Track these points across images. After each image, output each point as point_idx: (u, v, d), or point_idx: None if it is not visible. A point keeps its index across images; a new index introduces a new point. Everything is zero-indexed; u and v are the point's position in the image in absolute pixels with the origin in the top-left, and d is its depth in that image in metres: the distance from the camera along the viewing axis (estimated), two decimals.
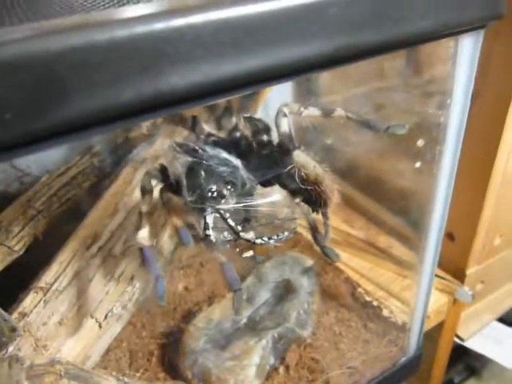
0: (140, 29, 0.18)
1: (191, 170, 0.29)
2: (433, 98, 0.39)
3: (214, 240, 0.28)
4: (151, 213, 0.33)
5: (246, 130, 0.34)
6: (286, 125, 0.32)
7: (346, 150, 0.55)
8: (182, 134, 0.42)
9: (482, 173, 0.53)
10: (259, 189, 0.32)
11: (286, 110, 0.32)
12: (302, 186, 0.31)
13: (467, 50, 0.32)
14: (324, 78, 0.56)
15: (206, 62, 0.19)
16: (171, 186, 0.31)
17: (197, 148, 0.31)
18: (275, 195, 0.31)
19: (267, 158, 0.33)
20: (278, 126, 0.32)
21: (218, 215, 0.29)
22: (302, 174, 0.31)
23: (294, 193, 0.32)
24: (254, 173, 0.31)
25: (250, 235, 0.29)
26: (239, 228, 0.29)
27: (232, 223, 0.28)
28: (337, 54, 0.23)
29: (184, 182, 0.29)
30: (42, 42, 0.17)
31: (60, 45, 0.17)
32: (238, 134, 0.34)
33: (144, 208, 0.31)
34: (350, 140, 0.54)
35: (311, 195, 0.32)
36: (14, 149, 0.17)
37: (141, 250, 0.31)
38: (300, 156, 0.31)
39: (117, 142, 0.45)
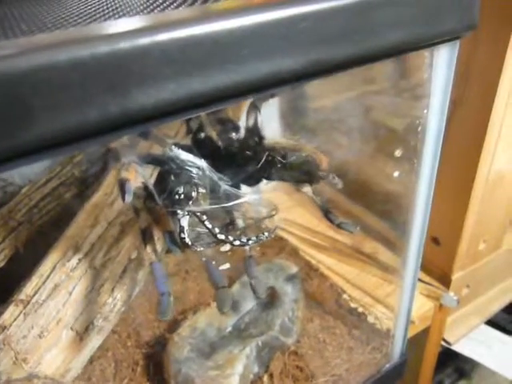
0: (105, 48, 0.18)
1: (158, 177, 0.29)
2: (412, 104, 0.39)
3: (189, 243, 0.28)
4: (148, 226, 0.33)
5: (213, 131, 0.33)
6: (253, 119, 0.32)
7: (330, 156, 0.55)
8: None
9: (465, 179, 0.53)
10: (240, 192, 0.32)
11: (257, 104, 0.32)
12: (285, 161, 0.30)
13: (443, 59, 0.33)
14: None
15: (173, 79, 0.19)
16: (150, 196, 0.31)
17: (159, 156, 0.31)
18: (249, 195, 0.31)
19: (240, 157, 0.32)
20: (247, 121, 0.32)
21: (195, 218, 0.29)
22: (280, 152, 0.31)
23: (284, 178, 0.32)
24: (232, 173, 0.31)
25: (228, 236, 0.29)
26: (217, 230, 0.29)
27: (209, 225, 0.28)
28: (307, 69, 0.23)
29: (153, 189, 0.29)
30: (4, 61, 0.16)
31: (23, 65, 0.17)
32: (202, 136, 0.33)
33: (143, 225, 0.32)
34: (335, 146, 0.54)
35: (299, 167, 0.31)
36: None
37: (150, 264, 0.31)
38: (270, 140, 0.31)
39: (99, 151, 0.45)
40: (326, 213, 0.34)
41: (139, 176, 0.29)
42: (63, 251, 0.38)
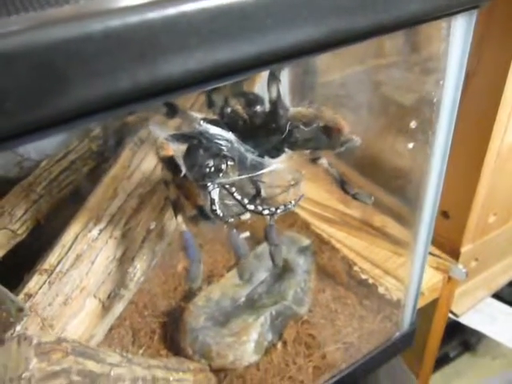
0: (134, 18, 0.18)
1: (188, 152, 0.30)
2: (426, 78, 0.39)
3: (221, 214, 0.29)
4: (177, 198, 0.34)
5: (237, 104, 0.34)
6: (275, 90, 0.32)
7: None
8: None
9: (476, 152, 0.53)
10: (266, 161, 0.32)
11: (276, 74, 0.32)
12: (307, 129, 0.31)
13: (461, 30, 0.33)
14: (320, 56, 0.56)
15: (199, 49, 0.20)
16: (179, 170, 0.32)
17: (188, 133, 0.31)
18: (275, 164, 0.31)
19: (265, 129, 0.33)
20: (269, 93, 0.33)
21: (224, 191, 0.30)
22: (301, 121, 0.31)
23: (307, 146, 0.32)
24: (257, 145, 0.32)
25: (257, 207, 0.30)
26: (246, 201, 0.30)
27: (238, 196, 0.29)
28: (328, 38, 0.23)
29: (185, 164, 0.30)
30: (40, 33, 0.17)
31: (58, 35, 0.17)
32: (229, 110, 0.34)
33: (172, 197, 0.33)
34: (346, 120, 0.54)
35: (321, 134, 0.32)
36: (15, 137, 0.17)
37: (181, 234, 0.32)
38: (291, 110, 0.32)
39: (114, 126, 0.45)
40: (342, 183, 0.35)
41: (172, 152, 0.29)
42: (84, 222, 0.39)
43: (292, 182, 0.30)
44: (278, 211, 0.30)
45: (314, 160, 0.35)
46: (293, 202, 0.30)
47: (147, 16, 0.18)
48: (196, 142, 0.30)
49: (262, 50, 0.21)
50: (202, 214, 0.30)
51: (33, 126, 0.18)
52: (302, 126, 0.31)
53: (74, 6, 0.18)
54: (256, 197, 0.31)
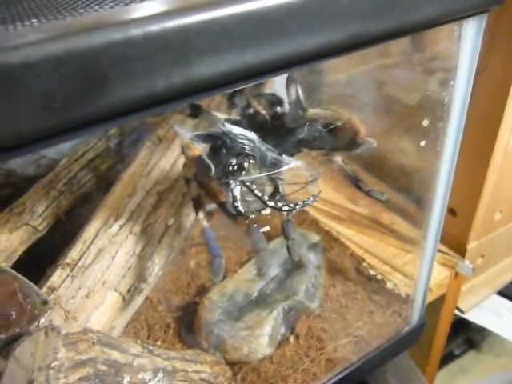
0: (171, 23, 0.19)
1: (212, 152, 0.31)
2: (437, 78, 0.40)
3: (242, 210, 0.30)
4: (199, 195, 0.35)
5: (259, 105, 0.35)
6: (294, 91, 0.34)
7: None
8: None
9: (483, 149, 0.54)
10: (285, 159, 0.33)
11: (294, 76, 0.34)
12: (325, 130, 0.32)
13: (471, 32, 0.34)
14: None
15: (230, 52, 0.21)
16: (202, 169, 0.33)
17: (212, 133, 0.32)
18: (294, 162, 0.32)
19: (285, 129, 0.34)
20: (288, 94, 0.34)
21: (245, 188, 0.31)
22: (320, 121, 0.32)
23: (325, 146, 0.34)
24: (276, 144, 0.33)
25: (277, 203, 0.31)
26: (266, 198, 0.31)
27: (259, 193, 0.30)
28: (348, 41, 0.24)
29: (208, 163, 0.31)
30: (85, 37, 0.18)
31: (101, 40, 0.18)
32: (251, 111, 0.35)
33: (193, 194, 0.34)
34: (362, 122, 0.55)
35: (339, 135, 0.33)
36: (62, 134, 0.19)
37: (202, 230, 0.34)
38: (310, 111, 0.33)
39: (132, 124, 0.47)
40: (356, 181, 0.36)
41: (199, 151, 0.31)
42: (105, 218, 0.40)
43: (310, 179, 0.32)
44: (297, 207, 0.31)
45: (329, 158, 0.36)
46: (311, 198, 0.31)
47: (183, 21, 0.20)
48: (220, 142, 0.31)
49: (287, 52, 0.23)
50: (224, 211, 0.31)
51: (78, 124, 0.19)
52: (319, 127, 0.32)
53: (115, 13, 0.20)
54: (275, 193, 0.32)
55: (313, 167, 0.32)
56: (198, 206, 0.34)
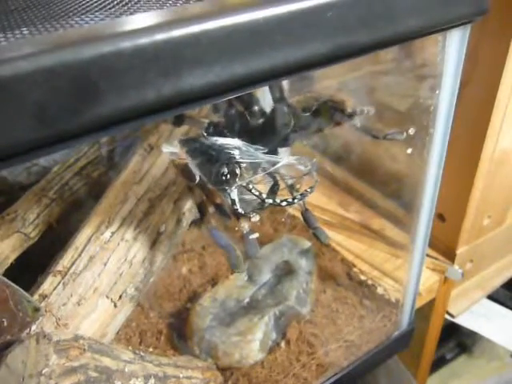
0: (161, 36, 0.20)
1: (202, 163, 0.32)
2: (423, 87, 0.41)
3: (242, 212, 0.31)
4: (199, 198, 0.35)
5: (238, 106, 0.35)
6: (277, 90, 0.34)
7: (338, 135, 0.57)
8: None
9: (471, 156, 0.55)
10: (278, 155, 0.34)
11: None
12: (309, 112, 0.33)
13: (455, 43, 0.35)
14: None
15: (218, 63, 0.22)
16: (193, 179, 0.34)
17: (199, 141, 0.33)
18: (286, 157, 0.32)
19: (272, 125, 0.34)
20: (272, 92, 0.34)
21: (242, 189, 0.31)
22: (303, 106, 0.33)
23: (316, 127, 0.34)
24: (266, 140, 0.33)
25: (275, 199, 0.32)
26: (264, 195, 0.31)
27: (256, 192, 0.31)
28: (333, 53, 0.25)
29: (201, 172, 0.31)
30: (76, 50, 0.19)
31: (92, 52, 0.19)
32: (233, 112, 0.35)
33: (197, 200, 0.34)
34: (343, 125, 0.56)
35: (325, 110, 0.33)
36: (54, 145, 0.19)
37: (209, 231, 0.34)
38: (291, 101, 0.33)
39: (123, 132, 0.47)
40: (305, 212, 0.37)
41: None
42: (96, 225, 0.40)
43: (305, 171, 0.32)
44: (296, 200, 0.31)
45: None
46: (308, 189, 0.31)
47: (172, 33, 0.20)
48: (207, 155, 0.31)
49: (275, 63, 0.23)
50: (224, 214, 0.31)
51: (70, 135, 0.19)
52: (305, 114, 0.32)
53: (106, 25, 0.20)
54: (274, 189, 0.33)
55: (308, 158, 0.32)
56: (202, 210, 0.35)
